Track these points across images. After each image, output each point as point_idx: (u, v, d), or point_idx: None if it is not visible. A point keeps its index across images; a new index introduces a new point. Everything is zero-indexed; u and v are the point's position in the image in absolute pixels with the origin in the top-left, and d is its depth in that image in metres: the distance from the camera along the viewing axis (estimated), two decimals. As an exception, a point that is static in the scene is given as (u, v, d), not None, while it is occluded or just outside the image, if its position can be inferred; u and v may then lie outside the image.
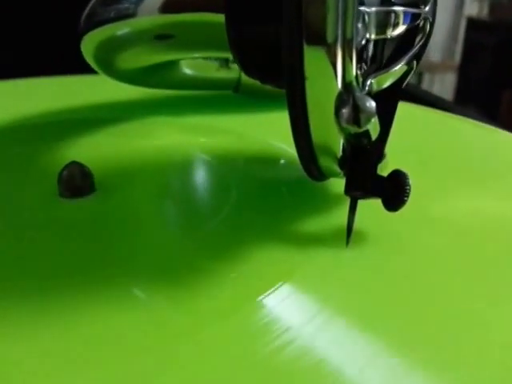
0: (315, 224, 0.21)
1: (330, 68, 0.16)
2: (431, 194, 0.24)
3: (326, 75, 0.16)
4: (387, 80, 0.20)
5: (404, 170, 0.19)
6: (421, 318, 0.16)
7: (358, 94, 0.17)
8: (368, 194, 0.19)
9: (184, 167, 0.28)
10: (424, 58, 0.22)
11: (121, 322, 0.16)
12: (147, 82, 0.31)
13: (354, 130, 0.17)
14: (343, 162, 0.19)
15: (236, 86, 0.35)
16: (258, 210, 0.23)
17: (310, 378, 0.14)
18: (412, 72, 0.21)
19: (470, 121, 0.36)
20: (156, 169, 0.26)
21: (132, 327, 0.16)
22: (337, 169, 0.20)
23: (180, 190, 0.25)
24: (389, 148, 0.21)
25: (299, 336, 0.15)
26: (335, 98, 0.17)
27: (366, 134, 0.18)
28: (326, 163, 0.19)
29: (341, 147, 0.19)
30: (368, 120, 0.16)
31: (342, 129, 0.17)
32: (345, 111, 0.16)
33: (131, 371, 0.14)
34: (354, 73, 0.17)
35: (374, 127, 0.18)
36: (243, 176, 0.26)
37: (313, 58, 0.16)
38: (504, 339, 0.16)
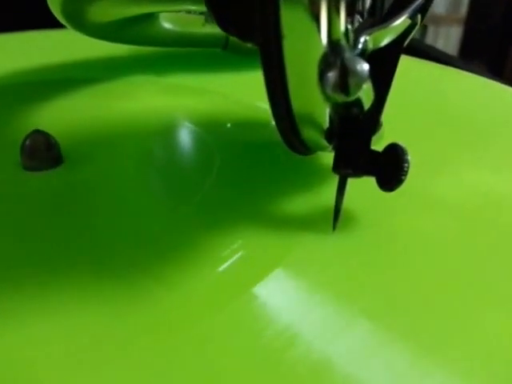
0: (304, 203, 0.19)
1: (313, 23, 0.13)
2: (433, 170, 0.21)
3: (308, 32, 0.13)
4: (386, 36, 0.16)
5: (402, 142, 0.16)
6: (413, 303, 0.15)
7: (347, 54, 0.13)
8: (359, 171, 0.16)
9: (165, 133, 0.24)
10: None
11: (101, 311, 0.14)
12: (122, 38, 0.27)
13: (341, 98, 0.13)
14: (331, 135, 0.16)
15: (224, 42, 0.31)
16: (244, 187, 0.20)
17: (307, 367, 0.13)
18: (416, 28, 0.17)
19: (481, 78, 0.32)
20: (133, 136, 0.23)
21: (116, 320, 0.14)
22: (324, 142, 0.16)
23: (161, 160, 0.23)
24: (385, 112, 0.17)
25: (293, 324, 0.14)
26: (319, 60, 0.13)
27: (358, 102, 0.14)
28: (311, 136, 0.16)
29: (327, 117, 0.15)
30: (358, 86, 0.13)
31: (327, 97, 0.14)
32: (331, 75, 0.13)
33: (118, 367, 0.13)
34: (343, 28, 0.13)
35: (366, 94, 0.14)
36: (229, 145, 0.23)
37: (291, 10, 0.13)
38: (498, 329, 0.14)
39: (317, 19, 0.13)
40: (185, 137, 0.25)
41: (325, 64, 0.13)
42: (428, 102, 0.28)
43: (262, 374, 0.13)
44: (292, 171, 0.21)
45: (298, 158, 0.19)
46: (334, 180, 0.17)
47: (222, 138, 0.23)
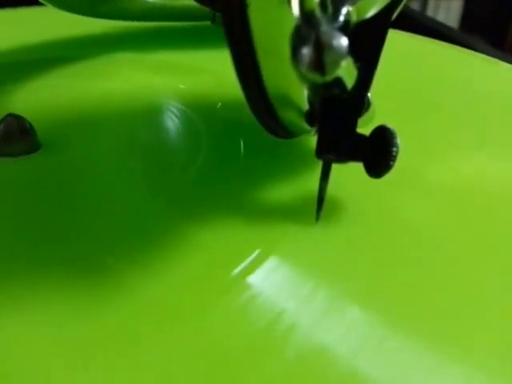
0: (288, 191, 0.17)
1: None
2: (425, 155, 0.19)
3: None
4: (372, 8, 0.14)
5: (392, 123, 0.14)
6: (407, 290, 0.14)
7: (323, 27, 0.11)
8: (344, 157, 0.14)
9: (150, 115, 0.23)
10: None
11: (84, 301, 0.13)
12: (100, 12, 0.25)
13: (317, 77, 0.11)
14: (312, 117, 0.14)
15: (213, 15, 0.29)
16: (233, 171, 0.18)
17: (305, 356, 0.12)
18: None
19: (480, 55, 0.29)
20: (115, 118, 0.22)
21: (100, 311, 0.13)
22: (305, 126, 0.14)
23: (145, 144, 0.21)
24: (376, 93, 0.16)
25: (287, 314, 0.13)
26: (292, 34, 0.11)
27: (338, 82, 0.12)
28: (290, 119, 0.14)
29: (306, 98, 0.13)
30: (335, 64, 0.11)
31: (303, 76, 0.12)
32: (305, 52, 0.11)
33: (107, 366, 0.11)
34: (318, -3, 0.11)
35: (348, 72, 0.12)
36: (218, 128, 0.21)
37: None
38: (500, 317, 0.13)
39: None
40: (171, 118, 0.23)
41: (298, 38, 0.11)
42: (421, 81, 0.26)
43: (260, 362, 0.12)
44: (279, 156, 0.19)
45: (286, 142, 0.18)
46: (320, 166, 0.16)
47: (210, 120, 0.21)
